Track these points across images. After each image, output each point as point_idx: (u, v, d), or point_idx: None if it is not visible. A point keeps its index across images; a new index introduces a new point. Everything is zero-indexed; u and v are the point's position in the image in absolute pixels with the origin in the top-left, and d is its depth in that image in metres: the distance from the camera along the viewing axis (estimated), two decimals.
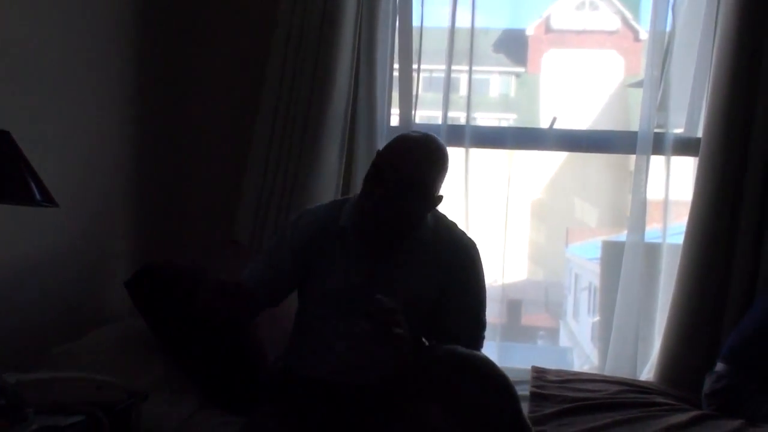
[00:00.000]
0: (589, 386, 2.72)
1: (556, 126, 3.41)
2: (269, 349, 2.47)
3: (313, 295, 2.27)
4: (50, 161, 2.39)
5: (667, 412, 2.50)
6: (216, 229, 3.32)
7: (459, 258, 2.27)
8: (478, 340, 2.27)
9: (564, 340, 3.95)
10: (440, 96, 3.31)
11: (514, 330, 3.73)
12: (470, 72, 3.27)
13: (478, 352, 1.13)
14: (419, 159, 2.14)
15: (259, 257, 2.34)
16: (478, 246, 2.33)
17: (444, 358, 1.13)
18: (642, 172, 3.12)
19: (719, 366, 2.65)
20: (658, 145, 3.12)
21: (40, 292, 2.61)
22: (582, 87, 3.58)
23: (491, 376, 1.11)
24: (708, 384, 2.65)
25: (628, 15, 3.72)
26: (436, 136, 2.24)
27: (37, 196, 1.98)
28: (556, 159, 3.68)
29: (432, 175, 2.16)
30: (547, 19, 3.76)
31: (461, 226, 2.37)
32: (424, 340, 2.23)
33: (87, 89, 2.88)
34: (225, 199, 3.32)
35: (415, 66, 3.35)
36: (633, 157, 3.17)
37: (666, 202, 3.19)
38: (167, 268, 2.49)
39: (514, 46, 3.78)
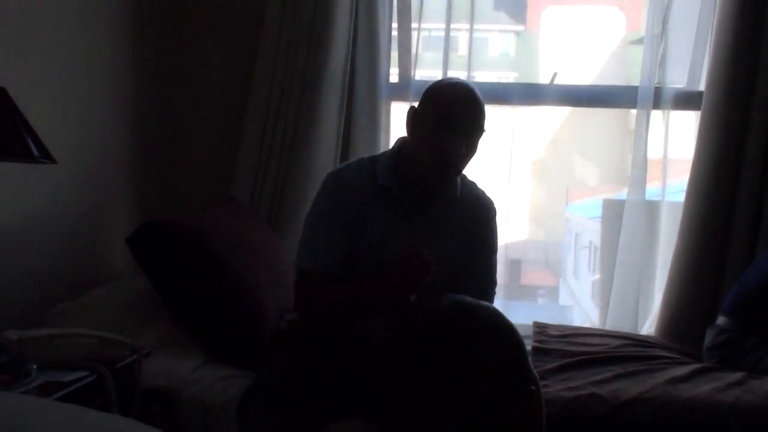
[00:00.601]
0: (591, 340, 2.73)
1: (556, 82, 3.39)
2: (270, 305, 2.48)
3: (356, 253, 2.25)
4: (48, 117, 2.36)
5: (668, 365, 2.51)
6: (215, 185, 3.30)
7: (480, 215, 2.34)
8: (488, 296, 2.32)
9: (564, 299, 3.96)
10: (439, 55, 3.29)
11: (515, 289, 3.74)
12: (471, 30, 3.24)
13: (485, 302, 1.12)
14: (482, 105, 2.21)
15: (314, 230, 2.27)
16: (495, 206, 2.41)
17: (451, 307, 1.11)
18: (643, 128, 3.10)
19: (720, 319, 2.66)
20: (660, 99, 3.10)
21: (40, 250, 2.60)
22: (582, 44, 3.55)
23: (499, 326, 1.10)
24: (709, 337, 2.65)
25: None
26: None
27: (35, 153, 1.95)
28: (556, 117, 3.67)
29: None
30: None
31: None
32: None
33: (84, 44, 2.84)
34: (224, 155, 3.30)
35: (414, 24, 3.32)
36: (633, 114, 3.17)
37: (666, 159, 3.18)
38: (169, 224, 2.49)
39: (513, 4, 3.75)
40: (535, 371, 1.10)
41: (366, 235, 2.23)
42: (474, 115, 2.17)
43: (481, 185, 2.45)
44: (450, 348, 1.04)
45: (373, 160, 2.34)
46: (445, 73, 3.25)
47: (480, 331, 1.07)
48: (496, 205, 2.42)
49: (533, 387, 1.06)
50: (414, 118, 2.24)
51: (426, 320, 1.09)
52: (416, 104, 2.29)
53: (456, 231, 2.29)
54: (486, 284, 2.34)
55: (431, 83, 2.31)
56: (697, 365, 2.51)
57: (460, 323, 1.07)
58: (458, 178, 2.30)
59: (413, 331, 1.08)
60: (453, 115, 2.14)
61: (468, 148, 2.17)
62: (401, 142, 2.32)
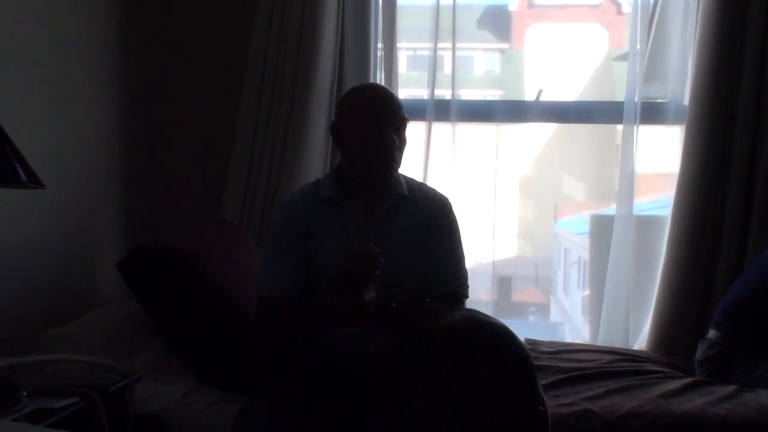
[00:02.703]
0: (583, 356, 2.73)
1: (542, 98, 3.41)
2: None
3: (314, 270, 2.27)
4: (36, 142, 2.36)
5: (660, 379, 2.52)
6: (204, 208, 3.31)
7: (434, 212, 2.36)
8: (460, 287, 2.33)
9: (555, 315, 3.96)
10: (423, 74, 3.31)
11: (505, 306, 3.73)
12: (454, 49, 3.25)
13: (496, 320, 1.12)
14: (395, 96, 2.36)
15: (269, 259, 2.31)
16: (451, 200, 2.44)
17: (463, 322, 1.10)
18: (629, 143, 3.11)
19: (711, 333, 2.66)
20: (645, 113, 3.11)
21: (30, 275, 2.59)
22: (566, 61, 3.57)
23: (510, 344, 1.09)
24: (700, 351, 2.66)
25: None
26: None
27: (23, 177, 1.94)
28: (542, 134, 3.68)
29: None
30: None
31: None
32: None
33: (72, 70, 2.85)
34: (213, 177, 3.31)
35: (399, 44, 3.33)
36: (619, 130, 3.17)
37: (652, 174, 3.19)
38: (160, 248, 2.49)
39: (497, 22, 3.76)
40: (542, 392, 1.09)
41: (320, 251, 2.26)
42: (392, 107, 2.27)
43: (431, 185, 2.53)
44: (460, 363, 1.02)
45: (317, 180, 2.43)
46: (432, 91, 3.26)
47: (491, 349, 1.05)
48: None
49: (541, 408, 1.06)
50: (339, 131, 2.33)
51: (437, 334, 1.08)
52: (335, 121, 2.40)
53: (409, 228, 2.31)
54: (456, 278, 2.33)
55: (344, 95, 2.45)
56: (690, 379, 2.52)
57: (471, 339, 1.06)
58: (402, 178, 2.35)
59: (422, 345, 1.06)
60: (373, 113, 2.24)
61: (399, 140, 2.25)
62: (338, 160, 2.41)
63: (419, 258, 2.30)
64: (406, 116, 2.30)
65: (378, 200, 2.30)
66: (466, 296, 2.36)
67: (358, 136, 2.25)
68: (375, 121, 2.23)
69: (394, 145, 2.23)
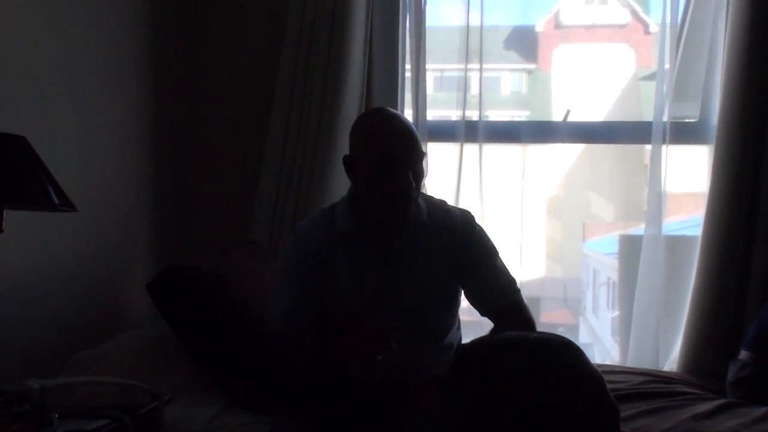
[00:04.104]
0: (613, 377, 2.70)
1: (569, 119, 3.40)
2: None
3: (330, 305, 2.24)
4: (67, 165, 2.40)
5: (692, 401, 2.48)
6: (234, 230, 3.32)
7: (458, 230, 2.28)
8: (515, 294, 2.28)
9: (584, 336, 3.93)
10: (450, 95, 3.32)
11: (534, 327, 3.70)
12: (481, 70, 3.26)
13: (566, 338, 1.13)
14: (413, 131, 2.17)
15: (281, 290, 2.26)
16: (472, 213, 2.37)
17: (536, 339, 1.11)
18: (657, 163, 3.09)
19: (743, 354, 2.63)
20: (673, 134, 3.09)
21: (61, 298, 2.62)
22: (593, 82, 3.57)
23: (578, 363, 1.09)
24: (732, 372, 2.62)
25: (638, 8, 3.71)
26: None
27: (56, 201, 1.98)
28: (570, 154, 3.67)
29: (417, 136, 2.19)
30: (557, 14, 3.75)
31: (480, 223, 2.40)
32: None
33: (103, 93, 2.90)
34: (242, 200, 3.33)
35: (427, 66, 3.35)
36: (647, 150, 3.16)
37: (681, 194, 3.18)
38: (190, 269, 2.50)
39: (524, 43, 3.77)
40: (612, 398, 1.09)
41: (336, 284, 2.21)
42: (410, 146, 2.12)
43: (450, 201, 2.44)
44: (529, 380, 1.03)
45: (333, 206, 2.32)
46: (463, 113, 3.26)
47: (560, 366, 1.06)
48: (500, 243, 2.38)
49: (611, 415, 1.06)
50: (352, 166, 2.20)
51: (509, 348, 1.08)
52: (349, 152, 2.25)
53: (432, 254, 2.23)
54: (508, 285, 2.28)
55: (355, 122, 2.28)
56: (722, 401, 2.48)
57: (541, 354, 1.07)
58: (422, 202, 2.25)
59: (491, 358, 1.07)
60: (390, 155, 2.09)
61: (415, 176, 2.12)
62: (353, 187, 2.29)
63: (445, 284, 2.26)
64: (423, 149, 2.18)
65: (396, 231, 2.22)
66: (521, 296, 2.29)
67: (373, 179, 2.12)
68: (392, 165, 2.09)
69: (411, 186, 2.10)
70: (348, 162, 2.21)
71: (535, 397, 1.04)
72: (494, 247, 2.33)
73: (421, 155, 2.15)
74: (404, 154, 2.10)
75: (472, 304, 2.32)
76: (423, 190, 2.29)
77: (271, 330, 2.23)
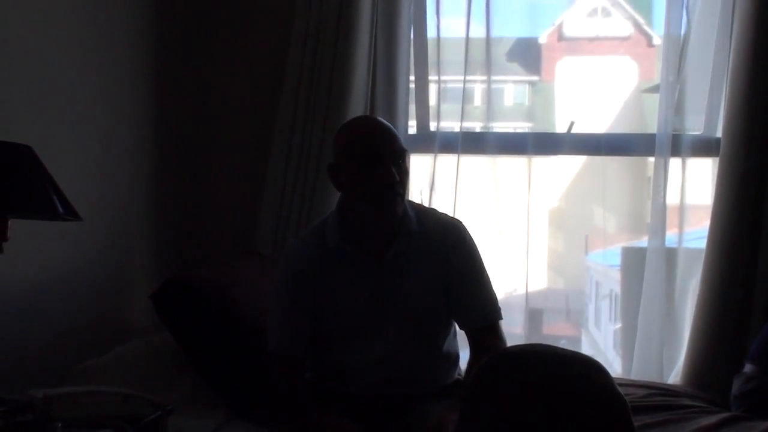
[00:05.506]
0: None
1: (573, 131, 3.40)
2: None
3: (326, 321, 2.24)
4: (72, 175, 2.40)
5: (697, 414, 2.47)
6: (237, 239, 3.32)
7: (449, 239, 2.27)
8: (495, 316, 2.27)
9: (586, 349, 3.91)
10: (454, 106, 3.32)
11: (536, 339, 3.69)
12: (489, 82, 3.27)
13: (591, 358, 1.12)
14: (391, 128, 2.20)
15: (275, 314, 2.28)
16: (463, 223, 2.35)
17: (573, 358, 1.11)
18: (661, 175, 3.10)
19: (747, 367, 2.62)
20: (677, 146, 3.10)
21: (64, 307, 2.62)
22: (597, 94, 3.57)
23: (605, 384, 1.09)
24: (737, 385, 2.61)
25: (641, 20, 3.71)
26: None
27: (60, 210, 1.98)
28: (572, 166, 3.67)
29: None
30: (560, 26, 3.75)
31: (481, 235, 2.37)
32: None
33: (107, 103, 2.90)
34: (246, 209, 3.33)
35: (431, 77, 3.35)
36: (650, 162, 3.16)
37: (683, 206, 3.17)
38: (193, 280, 2.50)
39: (527, 55, 3.77)
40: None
41: (329, 304, 2.21)
42: (391, 141, 2.14)
43: (441, 209, 2.43)
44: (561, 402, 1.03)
45: (323, 222, 2.32)
46: (460, 124, 3.27)
47: (588, 388, 1.06)
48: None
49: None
50: (336, 173, 2.21)
51: (542, 364, 1.08)
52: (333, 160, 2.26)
53: (423, 262, 2.22)
54: (487, 305, 2.28)
55: (337, 131, 2.29)
56: (726, 414, 2.47)
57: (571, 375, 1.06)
58: (409, 210, 2.25)
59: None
60: (372, 151, 2.11)
61: (400, 173, 2.13)
62: (341, 198, 2.29)
63: (438, 291, 2.25)
64: (405, 146, 2.20)
65: (387, 241, 2.21)
66: (501, 319, 2.29)
67: (358, 177, 2.13)
68: (375, 159, 2.11)
69: (394, 179, 2.11)
70: (333, 169, 2.22)
71: (563, 408, 1.04)
72: (482, 260, 2.32)
73: (403, 151, 2.17)
74: (386, 147, 2.12)
75: (450, 314, 2.31)
76: (411, 198, 2.31)
77: (270, 354, 2.24)
